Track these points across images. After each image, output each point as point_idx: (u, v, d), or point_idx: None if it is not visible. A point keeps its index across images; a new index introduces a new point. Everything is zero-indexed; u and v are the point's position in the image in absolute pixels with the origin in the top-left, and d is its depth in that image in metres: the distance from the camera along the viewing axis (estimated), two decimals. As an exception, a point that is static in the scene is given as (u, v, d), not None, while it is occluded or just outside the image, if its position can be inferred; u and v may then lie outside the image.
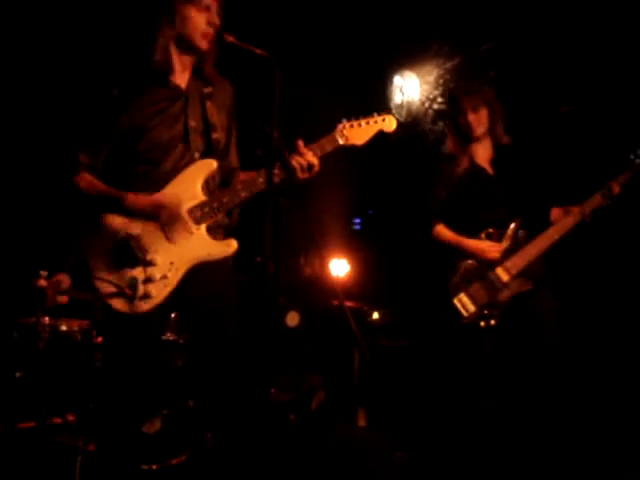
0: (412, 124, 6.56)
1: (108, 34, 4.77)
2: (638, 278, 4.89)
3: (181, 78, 3.00)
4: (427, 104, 6.54)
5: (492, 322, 3.94)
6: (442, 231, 4.16)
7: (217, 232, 2.96)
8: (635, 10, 4.80)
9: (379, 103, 6.49)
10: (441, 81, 6.36)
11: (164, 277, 2.81)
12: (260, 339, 2.76)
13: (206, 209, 2.88)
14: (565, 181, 4.47)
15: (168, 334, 4.34)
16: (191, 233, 2.86)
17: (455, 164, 4.18)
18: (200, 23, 2.90)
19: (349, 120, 3.06)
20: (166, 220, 2.82)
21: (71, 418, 4.31)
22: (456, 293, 4.02)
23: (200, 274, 2.87)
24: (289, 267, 6.49)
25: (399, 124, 3.19)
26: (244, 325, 3.01)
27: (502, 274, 4.00)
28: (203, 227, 2.89)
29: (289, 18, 5.76)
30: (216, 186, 3.03)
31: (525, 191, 4.11)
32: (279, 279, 2.60)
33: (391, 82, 6.72)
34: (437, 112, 6.38)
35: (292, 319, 5.93)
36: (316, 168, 2.90)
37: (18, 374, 4.35)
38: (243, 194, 2.91)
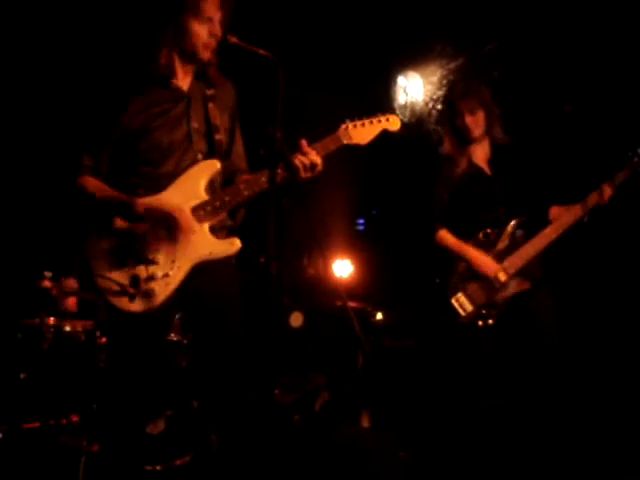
0: (416, 124, 6.55)
1: (112, 38, 4.78)
2: (636, 277, 4.90)
3: (183, 81, 3.01)
4: (431, 104, 6.53)
5: (490, 322, 3.94)
6: (445, 236, 4.15)
7: (221, 232, 2.96)
8: (636, 10, 4.80)
9: (383, 103, 6.48)
10: (445, 81, 6.35)
11: (166, 275, 2.81)
12: (264, 339, 2.76)
13: (209, 208, 2.88)
14: (564, 180, 4.46)
15: (172, 335, 4.35)
16: (194, 232, 2.86)
17: (454, 165, 4.18)
18: (202, 35, 2.90)
19: (352, 120, 3.05)
20: (172, 220, 2.82)
21: (75, 418, 4.33)
22: (454, 293, 4.02)
23: (203, 273, 2.87)
24: (293, 267, 6.49)
25: (403, 124, 3.18)
26: (248, 325, 3.01)
27: (500, 274, 4.00)
28: (206, 226, 2.89)
29: (293, 18, 5.76)
30: (219, 186, 3.03)
31: (523, 190, 4.11)
32: (282, 279, 2.60)
33: (395, 82, 6.71)
34: (441, 112, 6.37)
35: (296, 319, 5.93)
36: (319, 167, 2.89)
37: (22, 375, 4.37)
38: (246, 193, 2.91)
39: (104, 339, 4.32)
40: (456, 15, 5.83)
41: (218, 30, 2.90)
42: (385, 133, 3.13)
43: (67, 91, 5.04)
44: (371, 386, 5.27)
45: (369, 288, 6.52)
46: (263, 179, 2.88)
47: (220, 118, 3.04)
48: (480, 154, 4.20)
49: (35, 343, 4.36)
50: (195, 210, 2.87)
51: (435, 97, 6.46)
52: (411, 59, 6.57)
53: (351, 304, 5.91)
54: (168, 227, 2.83)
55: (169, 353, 4.32)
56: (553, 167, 4.65)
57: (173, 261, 2.83)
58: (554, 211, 4.07)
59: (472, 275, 4.03)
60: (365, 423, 5.05)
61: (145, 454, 3.91)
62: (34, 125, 5.40)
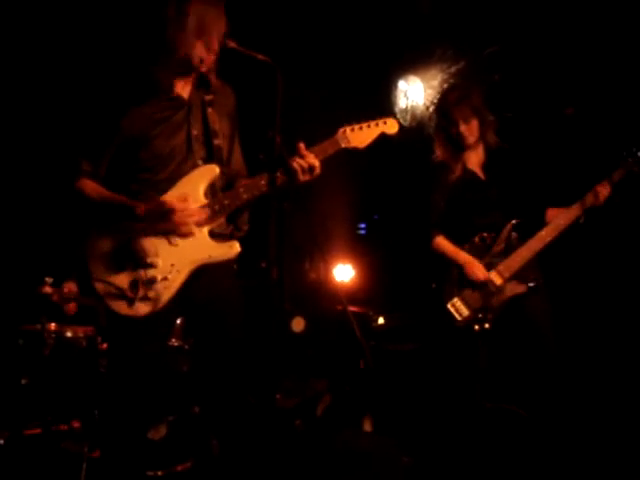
0: (417, 129, 6.55)
1: (113, 44, 4.78)
2: (634, 278, 4.90)
3: (184, 89, 3.01)
4: (432, 109, 6.51)
5: (486, 326, 3.93)
6: (441, 243, 4.17)
7: (220, 236, 2.96)
8: (636, 12, 4.80)
9: (383, 108, 6.46)
10: (445, 85, 6.35)
11: (165, 279, 2.81)
12: (265, 344, 2.75)
13: (208, 212, 2.88)
14: (561, 182, 4.46)
15: (173, 340, 4.34)
16: (193, 235, 2.86)
17: (449, 172, 4.20)
18: (199, 50, 2.89)
19: (351, 124, 3.06)
20: (174, 222, 2.81)
21: (76, 424, 4.33)
22: (450, 298, 4.02)
23: (203, 277, 2.88)
24: (294, 272, 6.48)
25: (404, 129, 3.18)
26: (249, 330, 3.01)
27: (495, 278, 4.00)
28: (205, 230, 2.88)
29: (293, 23, 5.76)
30: (219, 191, 3.02)
31: (519, 194, 4.11)
32: (283, 284, 2.59)
33: (395, 87, 6.71)
34: (434, 121, 6.37)
35: (297, 324, 5.92)
36: (317, 170, 2.89)
37: (24, 381, 4.37)
38: (245, 196, 2.91)
39: (105, 345, 4.31)
40: (457, 19, 5.83)
41: (216, 45, 2.90)
42: (385, 137, 3.13)
43: (67, 96, 5.04)
44: (373, 391, 5.26)
45: (370, 292, 6.51)
46: (262, 182, 2.88)
47: (219, 123, 3.04)
48: (474, 160, 4.22)
49: (36, 349, 4.35)
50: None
51: (436, 101, 6.45)
52: (412, 63, 6.56)
53: (352, 308, 5.90)
54: (167, 231, 2.82)
55: (170, 358, 4.32)
56: (549, 169, 4.66)
57: (172, 265, 2.83)
58: (551, 213, 4.08)
59: (468, 280, 4.03)
60: (367, 428, 5.04)
61: (146, 460, 3.90)
62: (34, 131, 5.40)
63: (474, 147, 4.19)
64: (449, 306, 4.01)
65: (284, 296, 2.58)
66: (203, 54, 2.90)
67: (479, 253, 4.06)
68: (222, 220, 2.97)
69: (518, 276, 4.00)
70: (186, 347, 4.36)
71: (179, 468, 4.06)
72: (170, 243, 2.84)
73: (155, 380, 2.95)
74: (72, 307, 4.75)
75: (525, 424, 3.95)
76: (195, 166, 2.94)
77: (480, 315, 3.96)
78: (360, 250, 6.90)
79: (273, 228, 2.60)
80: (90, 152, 2.93)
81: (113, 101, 2.92)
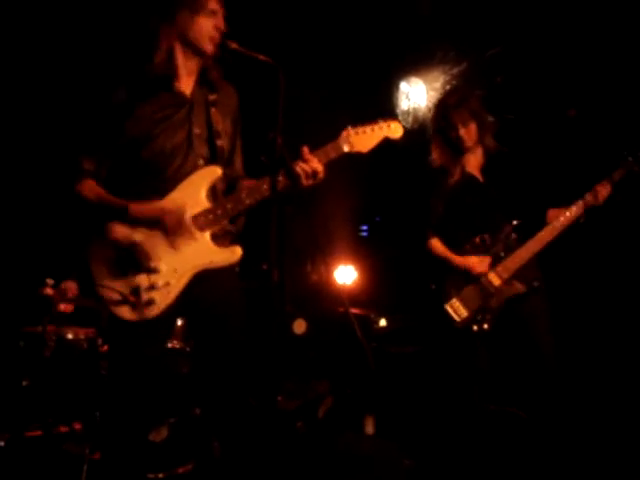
0: (419, 131, 6.54)
1: (112, 40, 4.78)
2: (634, 278, 4.90)
3: (186, 84, 2.99)
4: (434, 110, 6.51)
5: (485, 326, 3.93)
6: (435, 245, 4.17)
7: (223, 239, 2.95)
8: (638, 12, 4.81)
9: (385, 110, 6.47)
10: (447, 87, 6.35)
11: (167, 284, 2.80)
12: (267, 346, 2.74)
13: (210, 216, 2.87)
14: (562, 183, 4.46)
15: (174, 342, 4.34)
16: (195, 240, 2.85)
17: (448, 175, 4.20)
18: (206, 27, 2.89)
19: (354, 126, 3.01)
20: (170, 227, 2.81)
21: (77, 426, 4.32)
22: (448, 299, 4.02)
23: (205, 281, 2.87)
24: (295, 274, 6.48)
25: (405, 131, 3.16)
26: (251, 332, 3.00)
27: (494, 279, 4.00)
28: (207, 234, 2.87)
29: (295, 24, 5.76)
30: (221, 193, 3.01)
31: (518, 195, 4.11)
32: (285, 286, 2.59)
33: (397, 88, 6.70)
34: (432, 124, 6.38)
35: (299, 326, 5.92)
36: (321, 175, 2.87)
37: (25, 382, 4.36)
38: (247, 201, 2.89)
39: (106, 347, 4.31)
40: (459, 21, 5.83)
41: (222, 23, 2.89)
42: (388, 139, 3.11)
43: (68, 95, 5.03)
44: (375, 393, 5.25)
45: (373, 294, 6.51)
46: (265, 187, 2.86)
47: (222, 123, 3.03)
48: (473, 162, 4.22)
49: (37, 351, 4.35)
50: (196, 218, 2.86)
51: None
52: (414, 65, 6.56)
53: (354, 310, 5.90)
54: (168, 235, 2.82)
55: (171, 360, 4.31)
56: (551, 171, 4.66)
57: (175, 270, 2.82)
58: (552, 214, 4.07)
59: (466, 281, 4.03)
60: (369, 430, 5.03)
61: (148, 462, 3.90)
62: (35, 132, 5.40)
63: (473, 150, 4.19)
64: (447, 307, 4.01)
65: (285, 298, 2.57)
66: (213, 32, 2.89)
67: (479, 253, 4.06)
68: (225, 224, 2.96)
69: (517, 276, 4.00)
70: (187, 349, 4.36)
71: (180, 470, 4.06)
72: (172, 248, 2.83)
73: (156, 382, 2.94)
74: (67, 306, 4.75)
75: (526, 426, 3.94)
76: (196, 165, 2.93)
77: (479, 316, 3.96)
78: (362, 252, 6.90)
79: (274, 230, 2.58)
80: (91, 151, 2.92)
81: (114, 99, 2.91)
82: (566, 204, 4.05)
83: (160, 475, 3.98)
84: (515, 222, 4.06)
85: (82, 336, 4.53)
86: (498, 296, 3.99)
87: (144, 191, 2.86)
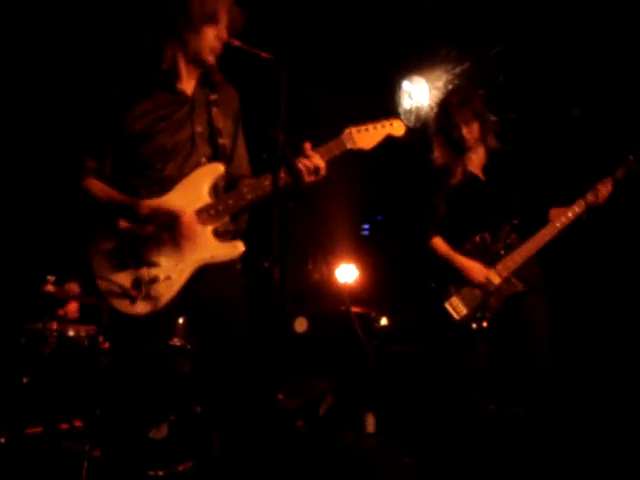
0: (421, 129, 6.54)
1: (115, 39, 4.78)
2: (635, 276, 4.90)
3: (187, 85, 2.99)
4: (436, 109, 6.51)
5: (484, 324, 3.94)
6: (438, 243, 4.17)
7: (224, 236, 2.95)
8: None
9: (388, 108, 6.47)
10: (450, 86, 6.34)
11: (168, 278, 2.80)
12: (268, 344, 2.74)
13: (212, 211, 2.87)
14: (565, 182, 4.47)
15: (176, 339, 4.34)
16: (197, 234, 2.84)
17: (450, 174, 4.21)
18: (208, 38, 2.88)
19: (357, 124, 3.02)
20: (174, 223, 2.80)
21: (78, 423, 4.32)
22: (448, 297, 4.02)
23: (207, 277, 2.86)
24: (297, 272, 6.48)
25: (408, 129, 3.16)
26: (252, 330, 2.99)
27: (493, 277, 4.01)
28: (209, 229, 2.87)
29: (298, 22, 5.76)
30: (223, 191, 3.01)
31: (520, 194, 4.12)
32: (285, 284, 2.58)
33: (400, 87, 6.70)
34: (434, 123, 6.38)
35: (300, 325, 5.92)
36: (323, 171, 2.86)
37: (25, 379, 4.36)
38: (249, 196, 2.88)
39: (107, 344, 4.31)
40: (462, 19, 5.83)
41: (224, 33, 2.89)
42: (390, 138, 3.11)
43: (70, 94, 5.04)
44: (375, 391, 5.26)
45: (374, 293, 6.51)
46: (267, 183, 2.86)
47: (223, 122, 3.03)
48: (475, 162, 4.23)
49: (38, 348, 4.35)
50: (199, 213, 2.86)
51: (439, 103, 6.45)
52: (416, 64, 6.56)
53: (356, 309, 5.90)
54: (171, 230, 2.81)
55: (172, 358, 4.31)
56: (554, 170, 4.66)
57: (176, 264, 2.81)
58: (554, 213, 4.08)
59: (466, 279, 4.03)
60: (369, 428, 5.03)
61: (148, 459, 3.90)
62: (37, 130, 5.40)
63: (475, 150, 4.21)
64: (447, 305, 4.01)
65: (287, 296, 2.57)
66: (213, 42, 2.89)
67: (479, 252, 4.07)
68: (226, 219, 2.95)
69: (517, 276, 4.00)
70: (188, 347, 4.36)
71: (180, 468, 4.06)
72: (174, 242, 2.82)
73: (156, 379, 2.93)
74: (73, 309, 4.76)
75: (526, 425, 3.94)
76: (199, 163, 2.92)
77: (478, 314, 3.96)
78: (363, 251, 6.90)
79: (276, 228, 2.58)
80: (94, 148, 2.92)
81: (116, 96, 2.91)
82: (568, 203, 4.06)
83: (160, 473, 3.98)
84: (515, 221, 4.07)
85: (83, 333, 4.53)
86: (498, 294, 4.00)
87: (145, 188, 2.86)
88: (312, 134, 3.00)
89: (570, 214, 4.02)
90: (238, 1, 2.97)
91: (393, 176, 6.67)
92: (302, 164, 2.81)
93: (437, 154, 4.28)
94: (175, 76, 2.95)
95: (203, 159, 2.94)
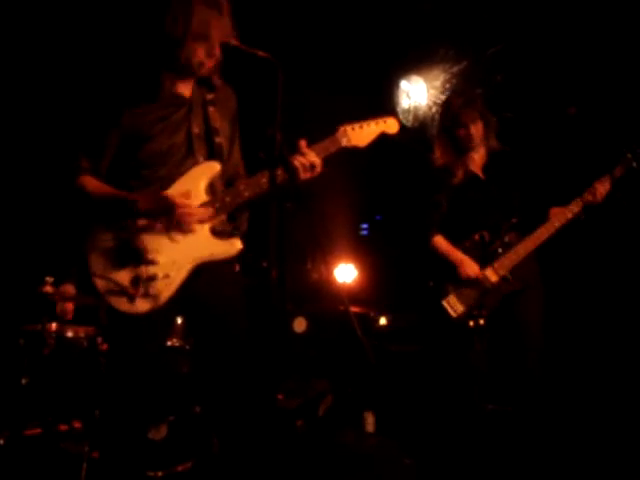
0: (419, 129, 6.54)
1: (113, 42, 4.78)
2: (634, 275, 4.91)
3: (185, 87, 2.99)
4: (434, 109, 6.52)
5: (481, 322, 3.94)
6: (439, 242, 4.18)
7: (222, 234, 2.94)
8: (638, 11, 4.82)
9: (386, 108, 6.47)
10: (448, 85, 6.35)
11: (166, 276, 2.79)
12: (267, 344, 2.74)
13: (209, 209, 2.87)
14: (564, 182, 4.47)
15: (174, 340, 4.33)
16: (194, 232, 2.84)
17: (451, 174, 4.22)
18: (199, 55, 2.87)
19: (351, 122, 3.04)
20: (170, 208, 2.79)
21: (77, 425, 4.32)
22: (445, 294, 4.03)
23: (205, 275, 2.86)
24: (296, 272, 6.48)
25: (406, 129, 3.16)
26: (251, 330, 2.99)
27: (491, 275, 4.02)
28: (206, 227, 2.87)
29: (296, 21, 5.76)
30: (219, 189, 3.01)
31: (520, 194, 4.14)
32: (284, 284, 2.58)
33: (398, 87, 6.71)
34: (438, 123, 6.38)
35: (299, 325, 5.91)
36: (318, 168, 2.87)
37: (24, 381, 4.36)
38: (246, 194, 2.89)
39: (106, 345, 4.30)
40: (459, 19, 5.83)
41: (217, 51, 2.88)
42: (388, 138, 3.12)
43: (66, 95, 5.03)
44: (375, 391, 5.25)
45: (373, 293, 6.51)
46: (263, 180, 2.86)
47: (220, 122, 3.03)
48: (477, 161, 4.26)
49: (37, 349, 4.35)
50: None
51: (438, 101, 6.45)
52: (414, 63, 6.57)
53: (355, 309, 5.90)
54: (168, 227, 2.81)
55: (171, 358, 4.31)
56: (552, 169, 4.67)
57: (174, 262, 2.81)
58: (553, 212, 4.09)
59: (462, 277, 4.05)
60: (369, 428, 5.03)
61: (147, 460, 3.90)
62: (33, 130, 5.40)
63: (477, 149, 4.23)
64: (444, 303, 4.03)
65: (285, 296, 2.56)
66: (203, 59, 2.88)
67: (478, 250, 4.08)
68: (223, 217, 2.95)
69: (514, 274, 4.01)
70: (187, 347, 4.35)
71: (179, 468, 4.06)
72: (171, 240, 2.82)
73: (155, 379, 2.93)
74: (67, 310, 4.75)
75: (524, 424, 3.94)
76: (196, 163, 2.92)
77: (475, 312, 3.97)
78: (362, 251, 6.90)
79: (274, 228, 2.58)
80: (89, 149, 2.91)
81: (112, 99, 2.90)
82: (566, 202, 4.06)
83: (159, 473, 3.97)
84: (514, 220, 4.08)
85: (82, 334, 4.53)
86: (495, 292, 4.01)
87: (143, 188, 2.85)
88: (310, 133, 3.01)
89: (569, 213, 4.04)
90: (238, 1, 2.96)
91: (392, 176, 6.67)
92: (298, 161, 2.82)
93: (438, 154, 4.30)
94: (172, 85, 2.94)
95: (200, 159, 2.94)
